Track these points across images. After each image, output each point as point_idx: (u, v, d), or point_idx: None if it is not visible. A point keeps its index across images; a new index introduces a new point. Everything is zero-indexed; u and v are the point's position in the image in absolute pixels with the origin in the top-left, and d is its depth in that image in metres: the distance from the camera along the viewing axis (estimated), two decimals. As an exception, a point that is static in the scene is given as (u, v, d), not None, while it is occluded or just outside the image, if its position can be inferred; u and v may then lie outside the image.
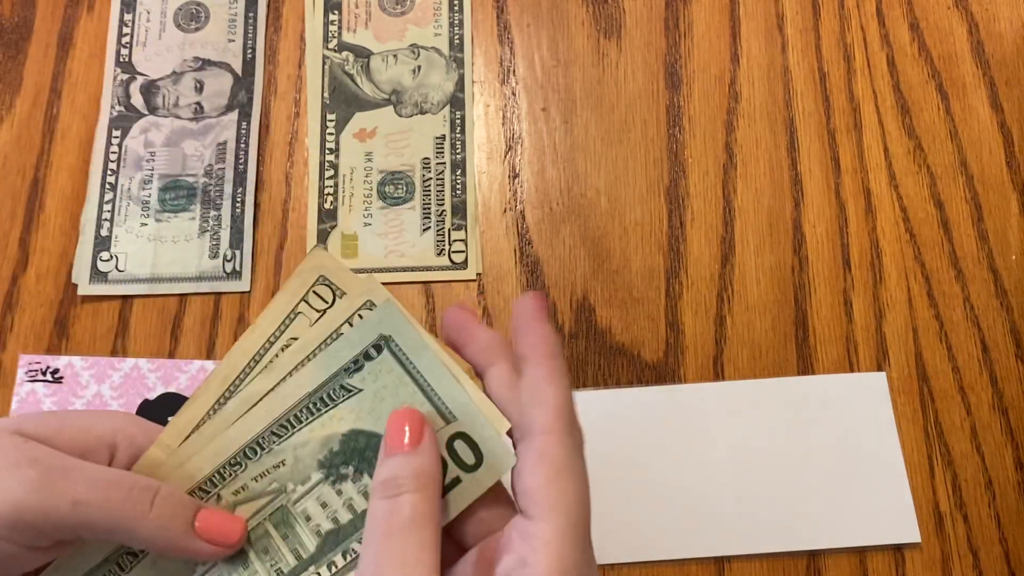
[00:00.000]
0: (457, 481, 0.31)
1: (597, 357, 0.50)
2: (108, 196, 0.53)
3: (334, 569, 0.31)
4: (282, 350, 0.32)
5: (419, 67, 0.56)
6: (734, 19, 0.58)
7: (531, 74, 0.56)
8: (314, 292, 0.33)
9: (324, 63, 0.56)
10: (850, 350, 0.50)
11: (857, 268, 0.52)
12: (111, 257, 0.52)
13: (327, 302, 0.33)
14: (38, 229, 0.53)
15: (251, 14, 0.58)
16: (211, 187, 0.53)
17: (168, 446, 0.32)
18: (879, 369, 0.50)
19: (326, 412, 0.31)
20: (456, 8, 0.58)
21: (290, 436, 0.31)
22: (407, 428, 0.30)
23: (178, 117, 0.55)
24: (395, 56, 0.57)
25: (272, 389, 0.32)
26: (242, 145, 0.54)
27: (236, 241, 0.52)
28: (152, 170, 0.54)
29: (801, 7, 0.58)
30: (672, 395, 0.49)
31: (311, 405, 0.31)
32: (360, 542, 0.31)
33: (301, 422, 0.31)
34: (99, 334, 0.51)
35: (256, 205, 0.53)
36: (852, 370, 0.50)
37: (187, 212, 0.53)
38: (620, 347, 0.50)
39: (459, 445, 0.31)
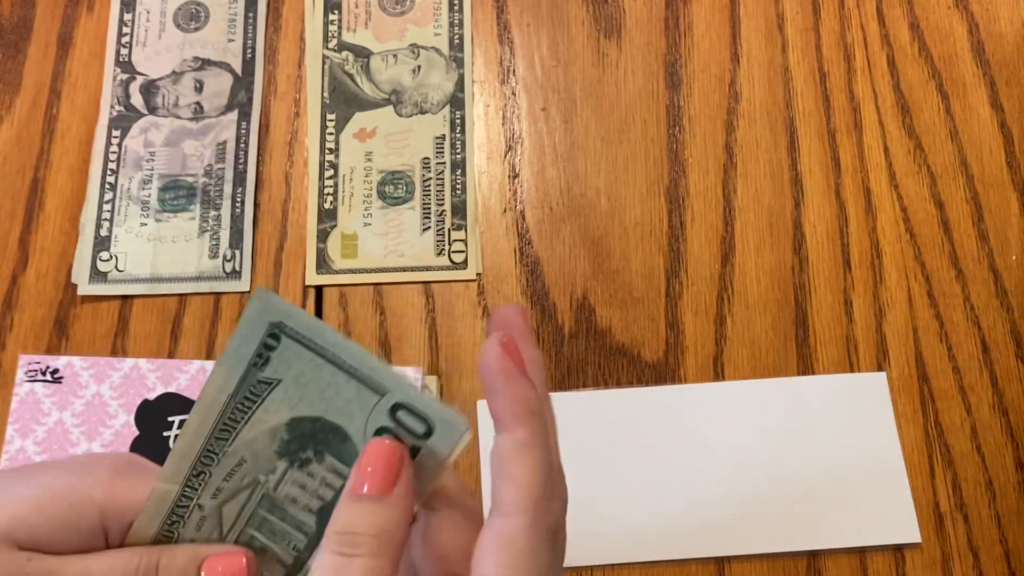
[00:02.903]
0: (417, 450, 0.29)
1: (597, 357, 0.50)
2: (108, 196, 0.53)
3: None
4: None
5: (419, 67, 0.56)
6: (734, 19, 0.58)
7: (531, 74, 0.56)
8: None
9: (324, 63, 0.56)
10: (850, 350, 0.50)
11: (857, 268, 0.52)
12: (111, 257, 0.52)
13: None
14: (38, 229, 0.53)
15: (251, 14, 0.58)
16: (211, 187, 0.53)
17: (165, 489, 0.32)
18: (879, 369, 0.50)
19: (257, 408, 0.31)
20: (456, 8, 0.58)
21: (235, 437, 0.31)
22: (380, 467, 0.28)
23: (178, 117, 0.55)
24: (395, 56, 0.57)
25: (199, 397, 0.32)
26: (242, 145, 0.54)
27: (236, 241, 0.52)
28: (152, 170, 0.54)
29: (801, 7, 0.58)
30: (672, 395, 0.49)
31: (238, 406, 0.31)
32: None
33: (238, 422, 0.31)
34: (99, 334, 0.51)
35: (256, 205, 0.53)
36: (852, 370, 0.50)
37: (187, 212, 0.53)
38: (620, 347, 0.50)
39: (403, 415, 0.29)
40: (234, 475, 0.31)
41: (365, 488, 0.28)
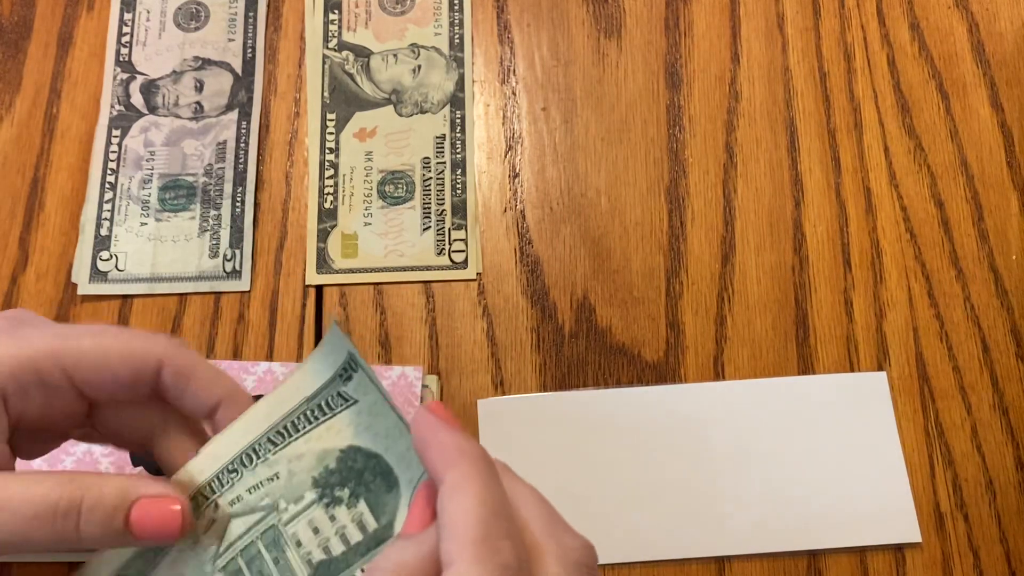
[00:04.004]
0: None
1: (597, 357, 0.50)
2: (108, 195, 0.53)
3: None
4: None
5: (419, 67, 0.56)
6: (734, 19, 0.58)
7: (531, 74, 0.56)
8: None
9: (324, 63, 0.56)
10: (850, 350, 0.50)
11: (857, 268, 0.52)
12: (111, 256, 0.52)
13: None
14: (38, 229, 0.53)
15: (251, 13, 0.58)
16: (211, 186, 0.53)
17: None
18: (879, 369, 0.50)
19: (324, 422, 0.29)
20: (456, 8, 0.58)
21: (286, 445, 0.29)
22: (418, 506, 0.27)
23: (178, 116, 0.55)
24: (395, 56, 0.57)
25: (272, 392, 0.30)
26: (242, 144, 0.54)
27: (236, 240, 0.52)
28: (152, 169, 0.54)
29: (801, 7, 0.58)
30: (672, 395, 0.49)
31: (309, 412, 0.29)
32: None
33: (299, 430, 0.29)
34: (99, 334, 0.50)
35: (256, 204, 0.53)
36: (852, 370, 0.50)
37: (187, 211, 0.53)
38: (620, 347, 0.50)
39: None
40: (259, 489, 0.30)
41: (406, 528, 0.27)
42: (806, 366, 0.50)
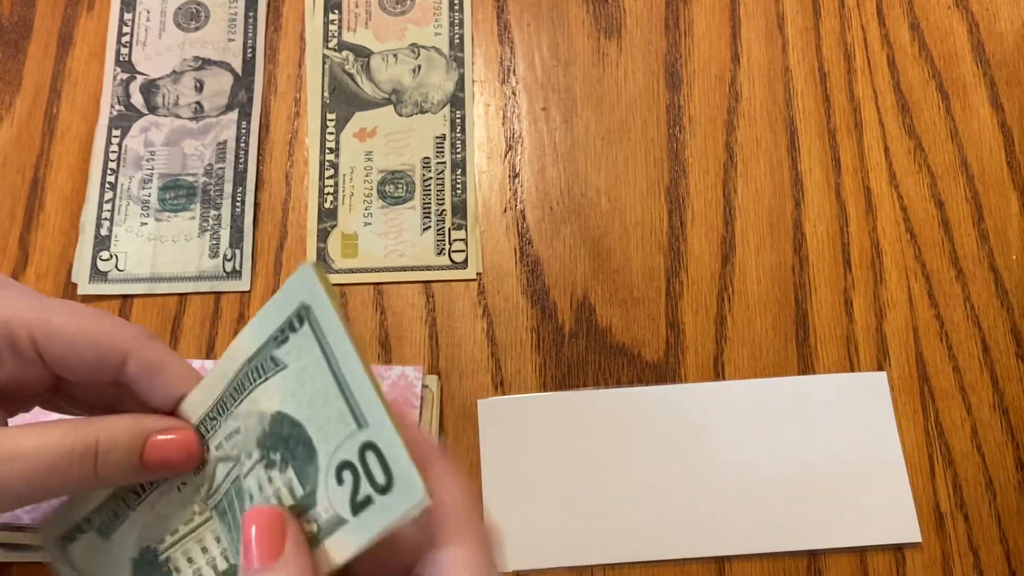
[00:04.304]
0: (369, 501, 0.26)
1: (597, 357, 0.50)
2: (108, 195, 0.53)
3: None
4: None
5: (419, 67, 0.56)
6: (734, 19, 0.58)
7: (531, 73, 0.56)
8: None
9: (324, 62, 0.56)
10: (850, 350, 0.50)
11: (857, 268, 0.52)
12: (111, 256, 0.52)
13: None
14: (38, 229, 0.53)
15: (251, 13, 0.58)
16: (211, 186, 0.53)
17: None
18: (879, 369, 0.50)
19: (260, 385, 0.29)
20: (456, 8, 0.58)
21: (239, 403, 0.29)
22: (258, 538, 0.26)
23: (178, 116, 0.55)
24: (395, 56, 0.57)
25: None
26: (242, 144, 0.54)
27: (236, 240, 0.52)
28: (152, 169, 0.54)
29: (801, 7, 0.58)
30: (672, 395, 0.49)
31: (249, 373, 0.29)
32: None
33: (245, 389, 0.29)
34: (99, 333, 0.50)
35: (256, 204, 0.53)
36: (852, 370, 0.50)
37: (187, 211, 0.53)
38: (620, 347, 0.50)
39: (370, 457, 0.26)
40: (232, 439, 0.30)
41: (253, 563, 0.26)
42: (806, 366, 0.50)
